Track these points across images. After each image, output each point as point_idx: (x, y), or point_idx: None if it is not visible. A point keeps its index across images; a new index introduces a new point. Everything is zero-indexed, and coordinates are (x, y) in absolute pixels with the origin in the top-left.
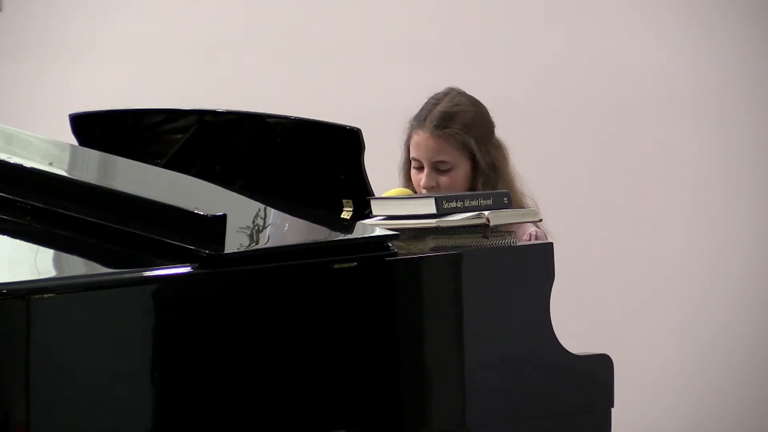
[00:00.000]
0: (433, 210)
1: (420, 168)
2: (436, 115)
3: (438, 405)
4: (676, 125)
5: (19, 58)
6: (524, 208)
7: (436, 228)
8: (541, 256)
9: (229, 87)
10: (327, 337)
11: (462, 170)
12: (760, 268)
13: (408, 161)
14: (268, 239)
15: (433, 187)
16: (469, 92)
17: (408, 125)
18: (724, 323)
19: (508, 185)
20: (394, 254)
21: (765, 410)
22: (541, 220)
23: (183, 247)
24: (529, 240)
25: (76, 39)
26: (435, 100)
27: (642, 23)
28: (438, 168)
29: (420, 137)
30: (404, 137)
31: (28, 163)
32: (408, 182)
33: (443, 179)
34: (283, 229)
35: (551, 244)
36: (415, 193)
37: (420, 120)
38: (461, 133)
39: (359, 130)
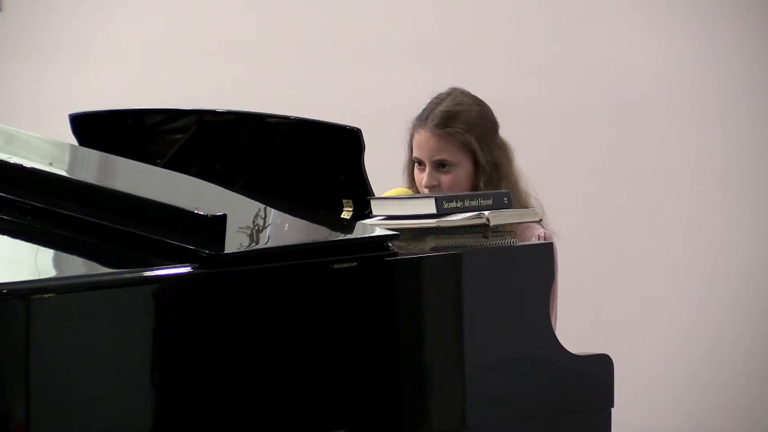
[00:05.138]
0: (433, 210)
1: (422, 167)
2: (437, 114)
3: (438, 405)
4: (676, 125)
5: (19, 58)
6: (528, 207)
7: (436, 228)
8: (541, 256)
9: (229, 87)
10: (327, 337)
11: (463, 169)
12: (760, 268)
13: (411, 161)
14: (268, 239)
15: (434, 185)
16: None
17: (410, 125)
18: (724, 323)
19: (512, 185)
20: (394, 254)
21: (765, 410)
22: (541, 220)
23: (183, 247)
24: (538, 241)
25: (76, 39)
26: (437, 100)
27: (642, 23)
28: (439, 167)
29: (421, 136)
30: (407, 137)
31: (28, 163)
32: (412, 182)
33: (445, 178)
34: (283, 229)
35: (551, 244)
36: (418, 193)
37: (422, 119)
38: (462, 132)
39: (359, 130)
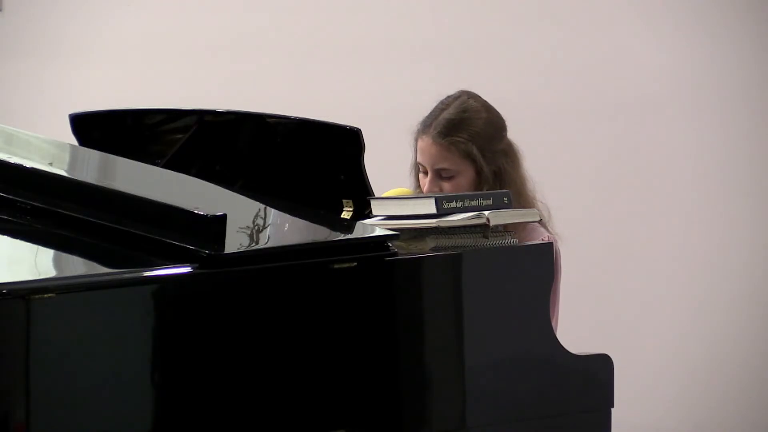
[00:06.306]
0: (433, 210)
1: (426, 173)
2: (441, 121)
3: (438, 405)
4: (676, 125)
5: (19, 58)
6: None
7: (436, 228)
8: (541, 256)
9: (230, 87)
10: (327, 337)
11: (465, 177)
12: (760, 268)
13: (417, 165)
14: (268, 239)
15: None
16: None
17: (416, 127)
18: (724, 323)
19: (518, 190)
20: (394, 254)
21: (765, 410)
22: (541, 220)
23: (183, 247)
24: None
25: (76, 39)
26: (443, 105)
27: (643, 24)
28: (441, 174)
29: (424, 143)
30: (413, 140)
31: (28, 163)
32: (419, 184)
33: (446, 185)
34: (283, 229)
35: (551, 243)
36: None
37: (426, 125)
38: (465, 141)
39: (359, 130)
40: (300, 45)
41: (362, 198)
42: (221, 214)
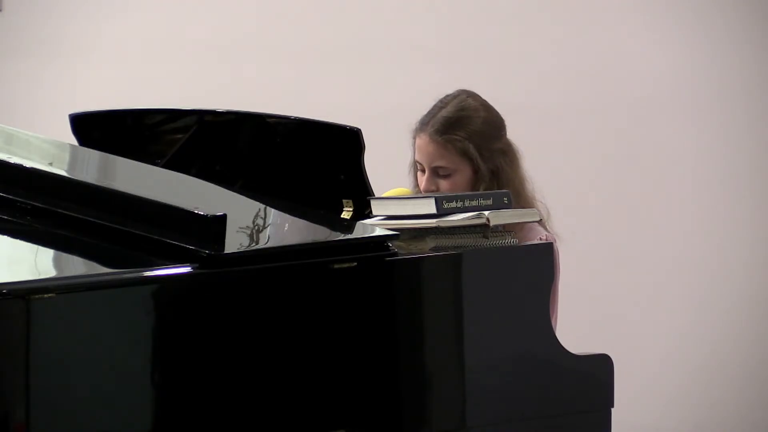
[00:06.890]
0: (433, 210)
1: (424, 171)
2: (438, 119)
3: (438, 405)
4: (676, 126)
5: (19, 58)
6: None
7: (436, 228)
8: (541, 256)
9: (229, 87)
10: (327, 337)
11: (462, 176)
12: (760, 268)
13: (415, 163)
14: (268, 239)
15: (433, 191)
16: None
17: (414, 126)
18: (724, 323)
19: (516, 189)
20: (394, 254)
21: (765, 410)
22: (541, 220)
23: (183, 247)
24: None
25: (76, 39)
26: (441, 104)
27: (643, 24)
28: (438, 173)
29: (422, 141)
30: (411, 138)
31: (28, 163)
32: (417, 183)
33: (443, 184)
34: (283, 229)
35: (551, 243)
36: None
37: (424, 123)
38: (462, 139)
39: (359, 130)
40: (300, 45)
41: (362, 198)
42: (221, 214)
